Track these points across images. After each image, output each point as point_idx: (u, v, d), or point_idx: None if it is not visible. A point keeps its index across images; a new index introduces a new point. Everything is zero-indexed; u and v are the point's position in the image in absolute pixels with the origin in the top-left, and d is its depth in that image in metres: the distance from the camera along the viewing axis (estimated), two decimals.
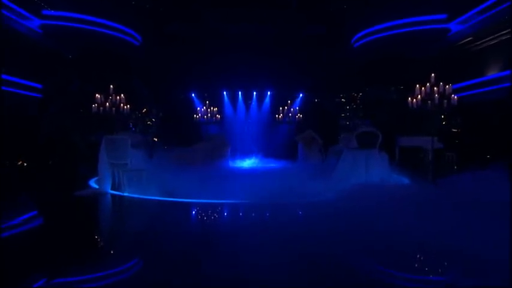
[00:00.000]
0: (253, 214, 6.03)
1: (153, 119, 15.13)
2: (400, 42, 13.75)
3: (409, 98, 9.48)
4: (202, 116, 16.29)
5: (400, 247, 3.89)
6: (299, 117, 16.28)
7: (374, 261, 3.66)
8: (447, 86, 8.85)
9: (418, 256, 3.77)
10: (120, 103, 10.80)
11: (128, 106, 11.07)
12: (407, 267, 3.50)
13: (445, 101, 8.81)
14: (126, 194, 7.14)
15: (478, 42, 12.45)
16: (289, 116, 16.35)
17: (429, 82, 9.08)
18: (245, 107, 17.15)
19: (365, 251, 3.89)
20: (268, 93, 17.02)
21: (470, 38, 12.53)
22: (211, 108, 16.41)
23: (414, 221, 4.67)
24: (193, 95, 16.97)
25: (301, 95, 17.01)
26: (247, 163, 13.29)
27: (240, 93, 17.06)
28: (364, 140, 8.87)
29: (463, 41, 12.84)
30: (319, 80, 15.67)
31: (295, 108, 16.61)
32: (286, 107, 16.55)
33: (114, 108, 10.66)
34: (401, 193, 6.69)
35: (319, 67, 15.32)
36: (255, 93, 17.06)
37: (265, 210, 6.11)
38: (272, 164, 12.68)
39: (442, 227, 4.40)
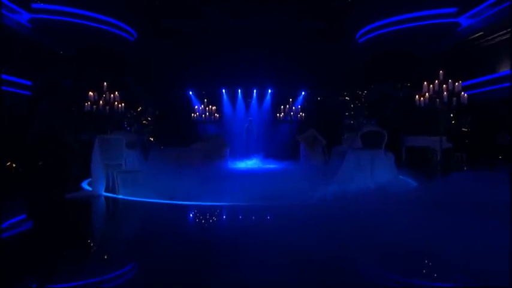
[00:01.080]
0: (253, 217, 6.01)
1: (149, 118, 15.10)
2: (407, 37, 13.70)
3: (417, 96, 9.47)
4: (200, 114, 16.27)
5: (399, 250, 3.90)
6: (301, 116, 16.26)
7: (376, 264, 3.68)
8: (457, 83, 8.84)
9: (415, 260, 3.77)
10: (114, 101, 10.78)
11: (123, 104, 11.05)
12: (405, 271, 3.52)
13: (455, 99, 8.80)
14: (120, 196, 7.11)
15: (490, 37, 12.35)
16: (290, 115, 16.31)
17: (437, 79, 9.06)
18: (245, 105, 17.13)
19: (363, 254, 3.91)
20: (269, 91, 17.00)
21: (481, 33, 12.45)
22: (210, 106, 16.38)
23: (418, 223, 4.74)
24: (190, 92, 16.94)
25: (303, 93, 16.98)
26: (247, 164, 13.28)
27: (239, 91, 17.04)
28: (369, 139, 8.87)
29: (473, 36, 12.77)
30: (322, 78, 15.64)
31: (296, 106, 16.59)
32: (287, 106, 16.53)
33: (108, 107, 10.64)
34: (406, 195, 6.73)
35: (322, 64, 15.30)
36: (255, 91, 17.04)
37: (264, 212, 6.09)
38: (273, 165, 12.67)
39: (441, 228, 4.48)
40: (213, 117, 16.33)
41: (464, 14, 12.68)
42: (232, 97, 17.11)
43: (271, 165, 12.77)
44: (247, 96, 17.17)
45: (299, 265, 3.59)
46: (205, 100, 16.49)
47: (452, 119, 12.38)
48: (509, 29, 11.30)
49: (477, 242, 3.86)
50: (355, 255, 3.88)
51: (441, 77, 8.97)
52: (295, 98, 16.88)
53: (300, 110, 16.45)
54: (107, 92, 10.73)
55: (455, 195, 6.19)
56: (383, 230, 4.52)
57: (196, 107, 16.50)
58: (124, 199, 6.99)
